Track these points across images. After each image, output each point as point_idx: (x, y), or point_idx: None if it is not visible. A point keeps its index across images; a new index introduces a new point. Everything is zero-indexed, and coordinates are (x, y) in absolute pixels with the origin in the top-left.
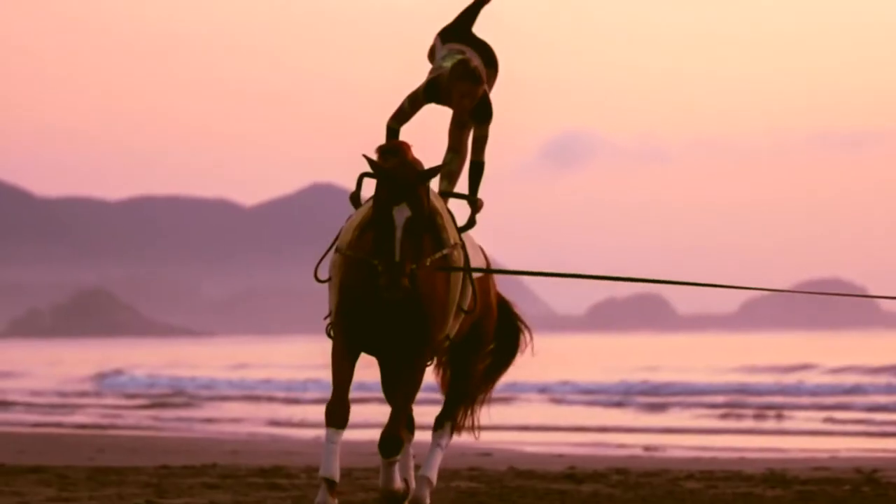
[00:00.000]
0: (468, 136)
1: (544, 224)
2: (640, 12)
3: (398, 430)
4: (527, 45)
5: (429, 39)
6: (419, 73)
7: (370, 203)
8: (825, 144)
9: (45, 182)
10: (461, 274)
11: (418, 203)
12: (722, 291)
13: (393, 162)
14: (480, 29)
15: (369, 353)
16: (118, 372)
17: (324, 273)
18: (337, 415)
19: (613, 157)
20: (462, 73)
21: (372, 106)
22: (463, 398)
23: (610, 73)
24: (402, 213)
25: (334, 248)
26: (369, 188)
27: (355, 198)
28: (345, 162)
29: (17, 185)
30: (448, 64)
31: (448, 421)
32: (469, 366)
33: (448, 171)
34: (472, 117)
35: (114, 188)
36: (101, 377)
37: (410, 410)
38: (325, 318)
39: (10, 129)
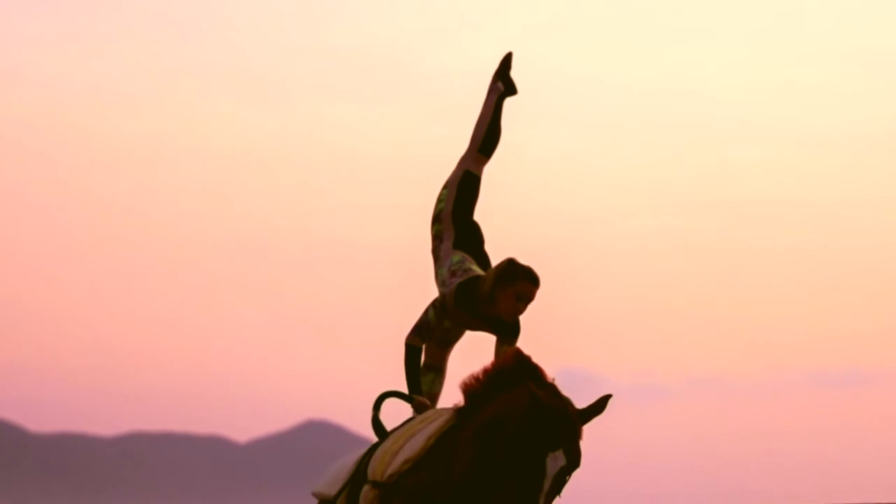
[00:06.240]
0: (449, 355)
1: None
2: (635, 249)
3: None
4: None
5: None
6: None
7: (422, 434)
8: (822, 384)
9: (40, 418)
10: None
11: (576, 451)
12: None
13: (545, 394)
14: None
15: None
16: None
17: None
18: None
19: (612, 395)
20: (519, 272)
21: (365, 340)
22: None
23: (607, 312)
24: (556, 462)
25: (368, 481)
26: (394, 412)
27: (377, 423)
28: (339, 399)
29: (11, 422)
30: (473, 266)
31: None
32: None
33: (430, 393)
34: (501, 333)
35: (106, 424)
36: None
37: None
38: None
39: (4, 365)
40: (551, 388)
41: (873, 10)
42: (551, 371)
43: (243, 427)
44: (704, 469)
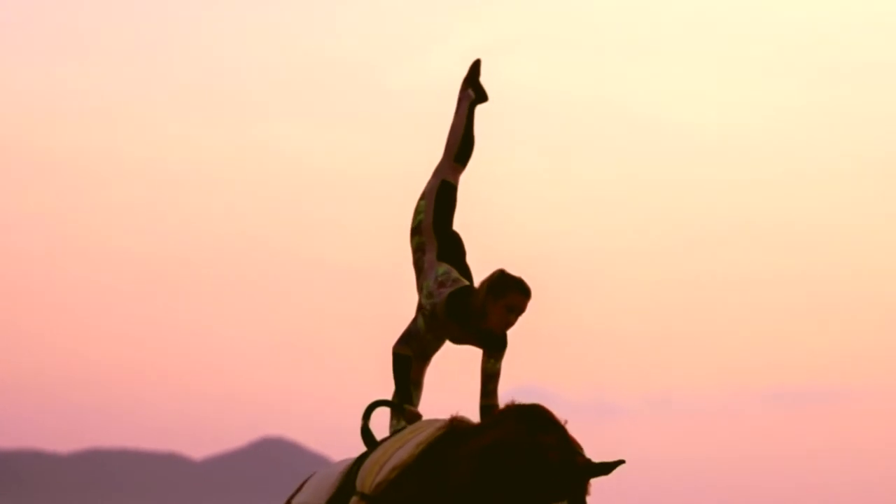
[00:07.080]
0: (426, 369)
1: None
2: (592, 266)
3: None
4: None
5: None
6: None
7: (411, 443)
8: (780, 403)
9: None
10: None
11: (580, 503)
12: None
13: (551, 441)
14: None
15: None
16: None
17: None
18: None
19: (566, 414)
20: (511, 284)
21: (321, 357)
22: None
23: (562, 329)
24: None
25: (356, 493)
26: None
27: (367, 433)
28: (295, 416)
29: None
30: (460, 277)
31: None
32: None
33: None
34: (489, 346)
35: (63, 440)
36: None
37: None
38: None
39: None
40: (561, 434)
41: (843, 29)
42: (505, 389)
43: (199, 444)
44: (658, 489)
